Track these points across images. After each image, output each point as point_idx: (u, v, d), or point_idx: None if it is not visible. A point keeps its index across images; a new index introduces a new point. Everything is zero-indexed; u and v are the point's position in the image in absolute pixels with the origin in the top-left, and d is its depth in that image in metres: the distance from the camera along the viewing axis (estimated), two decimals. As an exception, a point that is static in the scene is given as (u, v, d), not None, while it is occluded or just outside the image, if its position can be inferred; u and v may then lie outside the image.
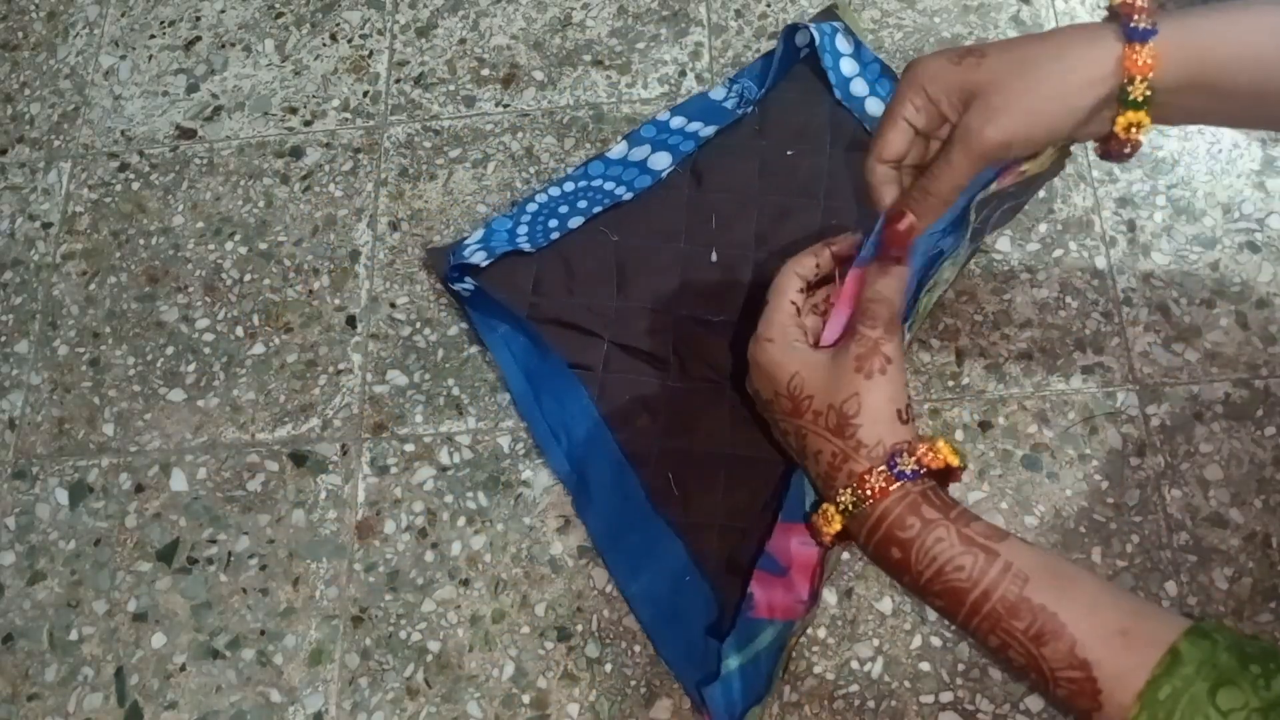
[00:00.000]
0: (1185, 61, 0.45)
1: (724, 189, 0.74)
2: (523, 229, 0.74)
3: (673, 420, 0.69)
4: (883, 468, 0.46)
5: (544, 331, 0.71)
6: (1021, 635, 0.43)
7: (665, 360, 0.70)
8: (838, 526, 0.48)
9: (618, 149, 0.77)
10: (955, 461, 0.48)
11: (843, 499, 0.47)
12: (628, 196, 0.74)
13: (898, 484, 0.46)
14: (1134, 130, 0.47)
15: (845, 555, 0.65)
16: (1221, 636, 0.42)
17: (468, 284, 0.72)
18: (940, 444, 0.48)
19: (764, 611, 0.60)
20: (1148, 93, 0.46)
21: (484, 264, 0.72)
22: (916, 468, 0.46)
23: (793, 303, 0.54)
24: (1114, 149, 0.49)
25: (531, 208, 0.75)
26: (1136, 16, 0.45)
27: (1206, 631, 0.42)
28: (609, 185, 0.75)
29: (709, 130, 0.76)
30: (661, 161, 0.75)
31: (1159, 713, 0.40)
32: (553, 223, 0.74)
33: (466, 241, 0.74)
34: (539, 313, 0.72)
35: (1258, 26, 0.45)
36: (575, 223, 0.74)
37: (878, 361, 0.48)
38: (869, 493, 0.46)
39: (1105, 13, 0.48)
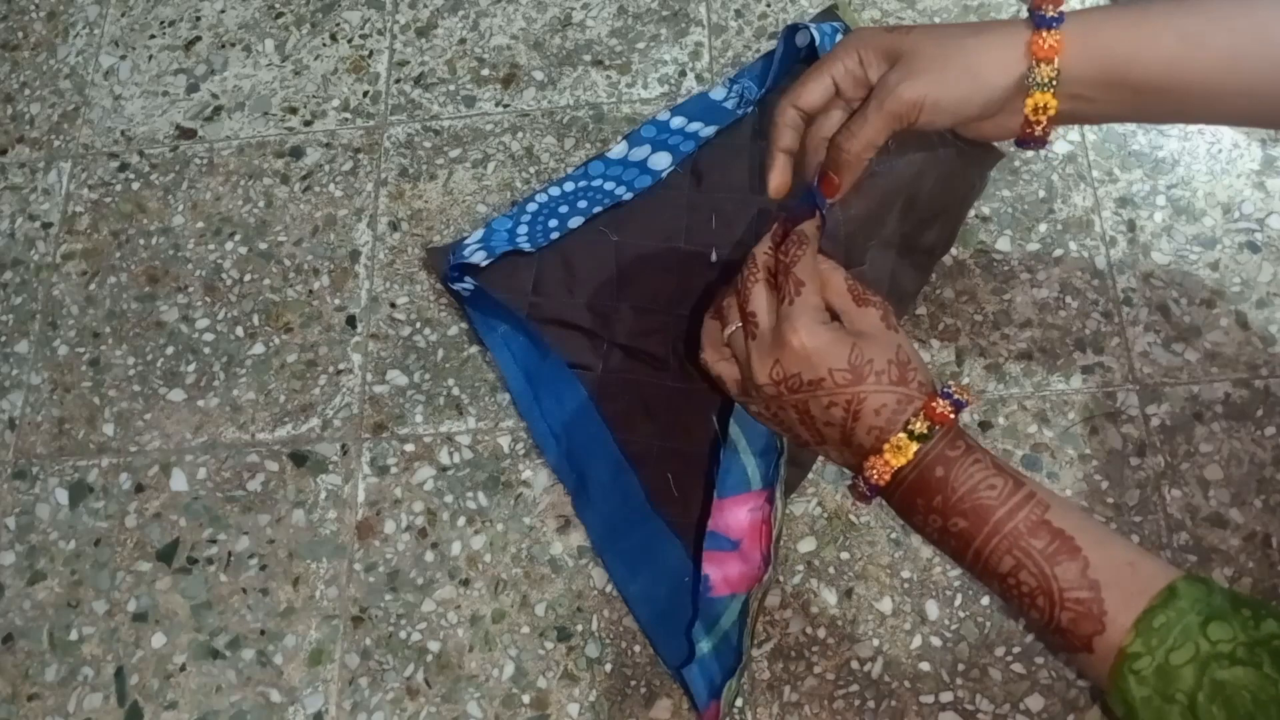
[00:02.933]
0: (1089, 49, 0.50)
1: (724, 189, 0.74)
2: (523, 229, 0.74)
3: (673, 420, 0.69)
4: (941, 398, 0.51)
5: (544, 331, 0.71)
6: (1038, 554, 0.47)
7: (665, 360, 0.70)
8: (911, 455, 0.51)
9: (618, 149, 0.77)
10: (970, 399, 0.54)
11: (915, 427, 0.50)
12: (628, 196, 0.74)
13: (955, 409, 0.51)
14: (1041, 112, 0.51)
15: (844, 555, 0.65)
16: (1216, 585, 0.45)
17: (468, 284, 0.72)
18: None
19: (722, 589, 0.61)
20: (1053, 74, 0.50)
21: (484, 264, 0.72)
22: (962, 395, 0.51)
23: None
24: (1025, 132, 0.53)
25: (531, 208, 0.75)
26: (1045, 7, 0.50)
27: (1203, 578, 0.45)
28: (609, 185, 0.75)
29: (709, 130, 0.76)
30: (661, 161, 0.75)
31: (1152, 640, 0.43)
32: (553, 223, 0.74)
33: (466, 241, 0.74)
34: (539, 313, 0.72)
35: (1160, 26, 0.50)
36: (575, 223, 0.74)
37: (893, 317, 0.54)
38: (939, 419, 0.50)
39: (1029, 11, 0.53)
